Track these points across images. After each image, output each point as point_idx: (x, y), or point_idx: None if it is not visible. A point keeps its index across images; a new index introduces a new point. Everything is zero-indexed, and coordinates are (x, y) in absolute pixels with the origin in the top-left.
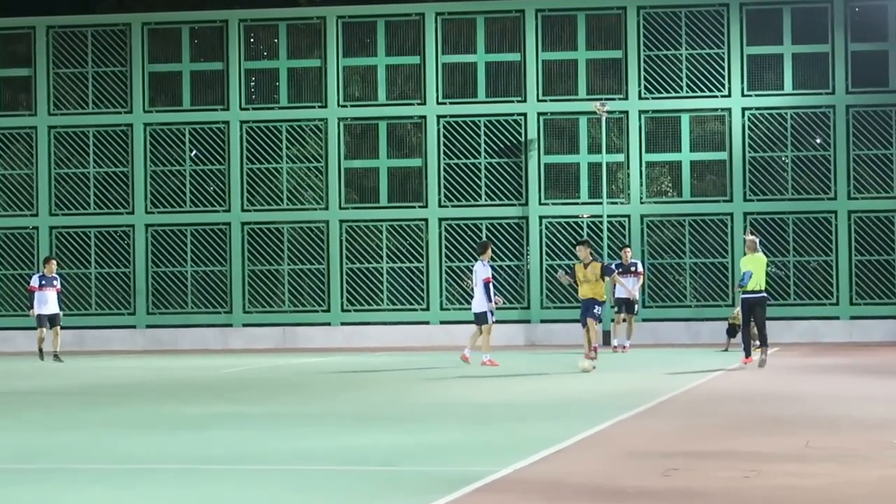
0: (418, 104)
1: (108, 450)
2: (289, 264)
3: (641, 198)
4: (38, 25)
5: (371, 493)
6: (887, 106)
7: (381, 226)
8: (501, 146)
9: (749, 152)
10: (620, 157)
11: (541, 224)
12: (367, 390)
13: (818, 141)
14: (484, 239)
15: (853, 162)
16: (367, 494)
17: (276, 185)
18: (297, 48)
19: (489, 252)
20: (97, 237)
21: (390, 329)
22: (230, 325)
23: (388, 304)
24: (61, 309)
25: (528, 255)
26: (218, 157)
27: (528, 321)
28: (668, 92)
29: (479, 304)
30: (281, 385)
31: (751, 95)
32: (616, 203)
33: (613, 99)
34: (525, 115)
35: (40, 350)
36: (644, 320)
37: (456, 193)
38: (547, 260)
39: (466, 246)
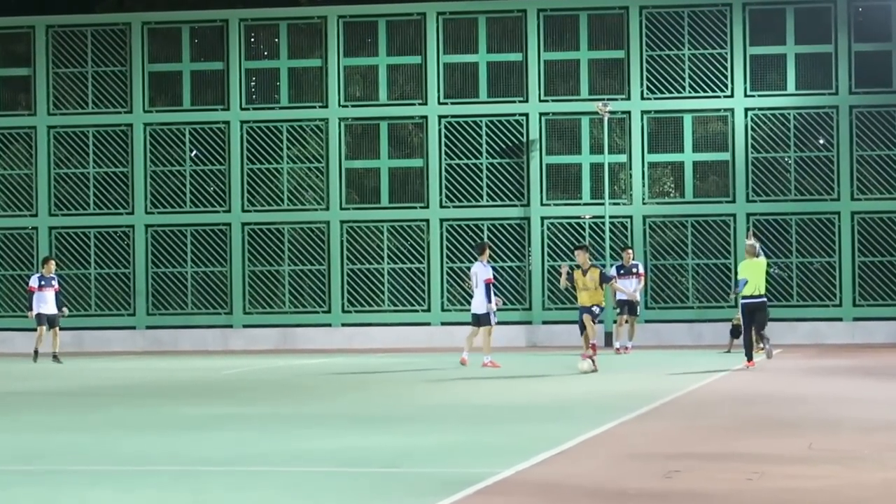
0: (419, 104)
1: (108, 451)
2: (289, 265)
3: (644, 198)
4: (37, 25)
5: (371, 494)
6: (891, 106)
7: (382, 226)
8: (503, 146)
9: (752, 153)
10: (622, 158)
11: (542, 225)
12: (367, 391)
13: (821, 142)
14: (484, 240)
15: (856, 163)
16: (367, 496)
17: (276, 185)
18: (298, 48)
19: (487, 253)
20: (97, 237)
21: (391, 330)
22: (230, 326)
23: (388, 305)
24: (63, 308)
25: (529, 256)
26: (218, 157)
27: (529, 322)
28: (670, 92)
29: (480, 304)
30: (281, 386)
31: (754, 96)
32: (618, 204)
33: (616, 99)
34: (527, 115)
35: (35, 351)
36: (646, 321)
37: (457, 194)
38: (548, 261)
39: (468, 247)
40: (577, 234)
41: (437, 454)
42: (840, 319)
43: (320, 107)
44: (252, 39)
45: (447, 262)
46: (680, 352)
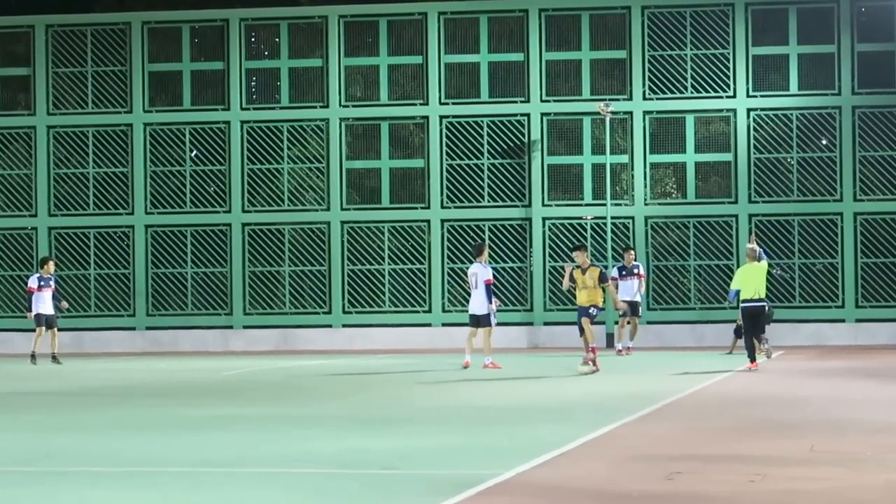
0: (421, 104)
1: (108, 452)
2: (290, 266)
3: (645, 199)
4: (36, 24)
5: (372, 496)
6: (894, 107)
7: (383, 227)
8: (504, 147)
9: (754, 153)
10: (624, 159)
11: (544, 226)
12: (368, 393)
13: (824, 142)
14: (485, 241)
15: (859, 163)
16: (368, 497)
17: (277, 185)
18: (299, 48)
19: (486, 253)
20: (96, 238)
21: (392, 331)
22: (230, 327)
23: (389, 306)
24: (62, 302)
25: (530, 256)
26: (218, 157)
27: (530, 323)
28: (672, 92)
29: (480, 305)
30: (282, 387)
31: (756, 96)
32: (620, 205)
33: (617, 99)
34: (528, 115)
35: (33, 354)
36: (648, 323)
37: (458, 194)
38: (550, 262)
39: (469, 248)
40: (578, 235)
41: (438, 456)
42: (842, 321)
43: (321, 107)
44: (252, 39)
45: (448, 263)
46: (682, 353)
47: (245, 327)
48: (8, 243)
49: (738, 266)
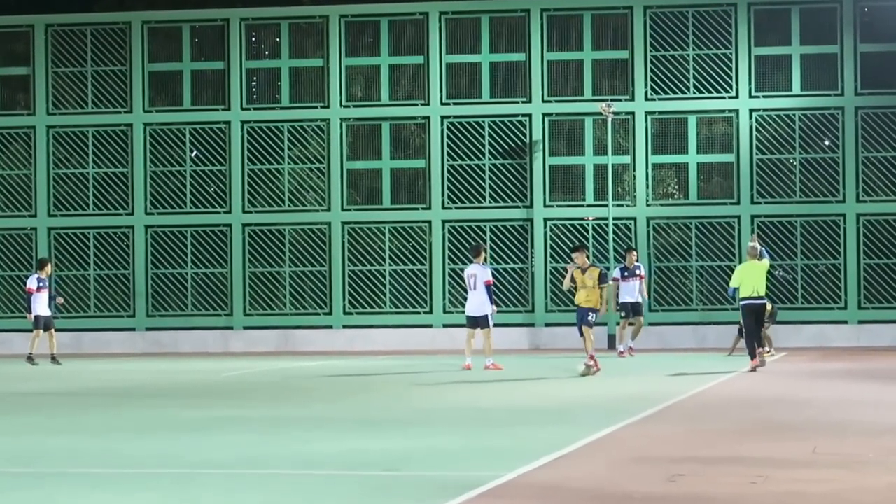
0: (422, 105)
1: (108, 454)
2: (290, 266)
3: (647, 200)
4: (36, 24)
5: (373, 498)
6: None
7: (384, 228)
8: (506, 147)
9: (756, 154)
10: (626, 159)
11: (545, 226)
12: (368, 394)
13: (826, 143)
14: (486, 241)
15: (862, 164)
16: (368, 499)
17: (277, 186)
18: (300, 47)
19: (483, 254)
20: (96, 238)
21: (393, 332)
22: (231, 328)
23: (390, 307)
24: (58, 298)
25: (532, 257)
26: (219, 157)
27: (532, 325)
28: (674, 93)
29: (479, 307)
30: (282, 388)
31: (758, 97)
32: (622, 205)
33: (619, 100)
34: (530, 115)
35: (30, 355)
36: (650, 324)
37: (460, 195)
38: (552, 262)
39: (470, 249)
40: (580, 236)
41: (439, 457)
42: (845, 322)
43: (322, 107)
44: (253, 39)
45: (449, 264)
46: (684, 354)
47: (245, 328)
48: (7, 244)
49: None
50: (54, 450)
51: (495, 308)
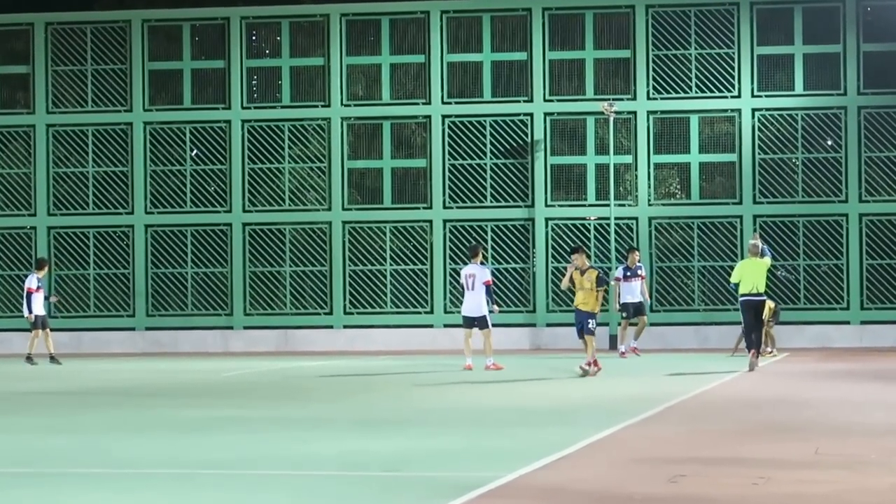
0: (423, 104)
1: (108, 454)
2: (291, 266)
3: (649, 200)
4: (36, 22)
5: (373, 498)
6: None
7: (385, 227)
8: (507, 147)
9: (759, 154)
10: (628, 159)
11: (547, 226)
12: (369, 394)
13: (829, 143)
14: (487, 241)
15: (865, 164)
16: (369, 500)
17: (278, 185)
18: (300, 46)
19: (480, 254)
20: (96, 237)
21: (393, 332)
22: (231, 328)
23: (391, 307)
24: (51, 297)
25: (533, 257)
26: (219, 156)
27: (533, 325)
28: (676, 92)
29: (478, 307)
30: (282, 389)
31: (761, 96)
32: (623, 205)
33: (621, 99)
34: (531, 115)
35: (29, 356)
36: (652, 324)
37: (461, 195)
38: (553, 262)
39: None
40: (581, 236)
41: (440, 458)
42: (847, 323)
43: (322, 106)
44: (253, 37)
45: (450, 264)
46: (685, 355)
47: (245, 328)
48: (6, 243)
49: None
50: (54, 449)
51: (497, 308)
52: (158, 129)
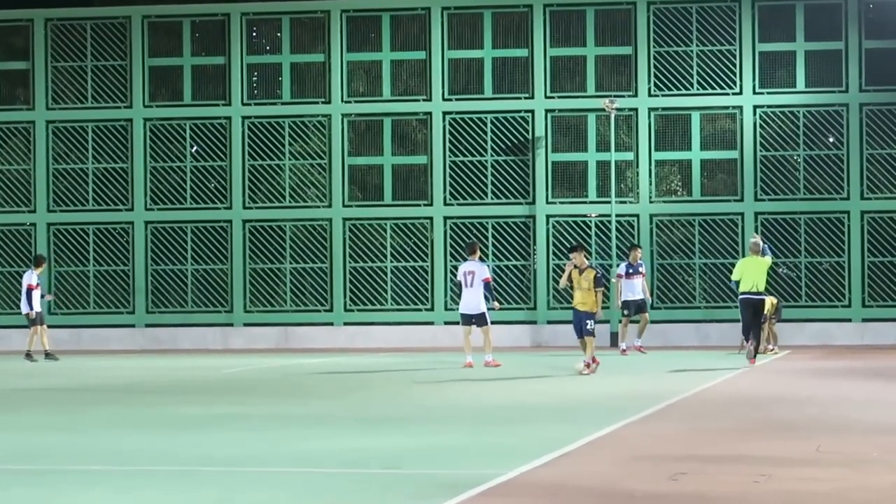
0: (424, 100)
1: (107, 451)
2: (291, 263)
3: (651, 197)
4: (35, 18)
5: (373, 496)
6: None
7: (386, 224)
8: (508, 143)
9: (760, 151)
10: (629, 156)
11: (548, 223)
12: (369, 392)
13: (831, 140)
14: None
15: (866, 161)
16: (369, 497)
17: (278, 182)
18: (301, 42)
19: (478, 251)
20: (96, 234)
21: (394, 329)
22: (231, 325)
23: (391, 304)
24: (46, 296)
25: (534, 254)
26: (219, 153)
27: (534, 322)
28: (678, 89)
29: (477, 304)
30: (282, 386)
31: (763, 93)
32: (625, 202)
33: (623, 96)
34: (532, 111)
35: (29, 353)
36: (653, 322)
37: (462, 191)
38: (554, 259)
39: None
40: (582, 233)
41: (440, 455)
42: (849, 320)
43: (323, 102)
44: (254, 34)
45: (451, 261)
46: (686, 352)
47: (245, 325)
48: (6, 239)
49: None
50: (54, 446)
51: (498, 305)
52: (158, 126)
